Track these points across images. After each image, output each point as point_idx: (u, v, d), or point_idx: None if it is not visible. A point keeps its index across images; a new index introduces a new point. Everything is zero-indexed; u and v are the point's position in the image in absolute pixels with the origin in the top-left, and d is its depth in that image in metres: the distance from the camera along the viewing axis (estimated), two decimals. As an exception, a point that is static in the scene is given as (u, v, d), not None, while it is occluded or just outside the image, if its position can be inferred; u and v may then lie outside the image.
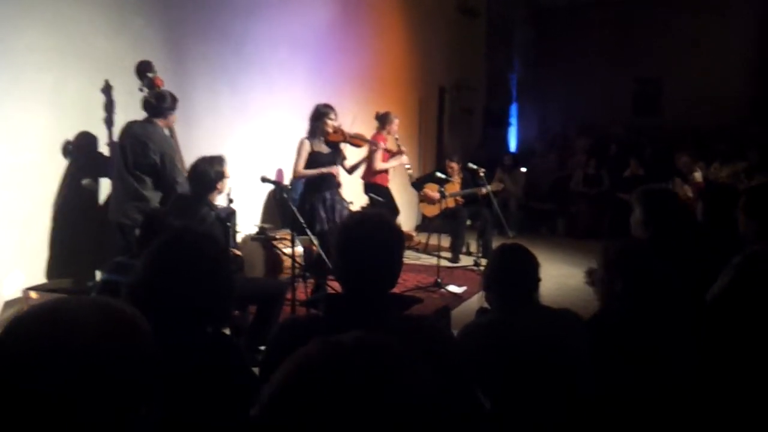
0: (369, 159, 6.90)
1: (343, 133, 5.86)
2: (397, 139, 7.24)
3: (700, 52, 12.50)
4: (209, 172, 4.31)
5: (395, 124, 7.22)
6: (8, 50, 4.41)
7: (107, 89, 5.07)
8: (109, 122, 5.08)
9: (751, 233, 2.97)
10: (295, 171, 5.76)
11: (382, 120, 7.20)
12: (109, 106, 5.08)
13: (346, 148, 6.05)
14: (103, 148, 5.11)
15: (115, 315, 1.01)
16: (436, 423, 0.80)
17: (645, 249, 2.60)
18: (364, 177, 7.26)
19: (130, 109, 4.96)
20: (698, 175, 7.14)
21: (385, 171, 7.20)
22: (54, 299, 1.05)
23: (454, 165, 8.15)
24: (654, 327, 2.39)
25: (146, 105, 4.81)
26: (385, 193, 7.28)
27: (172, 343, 1.77)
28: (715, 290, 2.93)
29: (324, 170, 5.74)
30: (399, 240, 1.96)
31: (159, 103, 4.80)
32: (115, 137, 4.95)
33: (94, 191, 5.10)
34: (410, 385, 0.78)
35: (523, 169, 10.71)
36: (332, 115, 5.76)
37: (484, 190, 7.56)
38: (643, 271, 2.44)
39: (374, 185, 7.25)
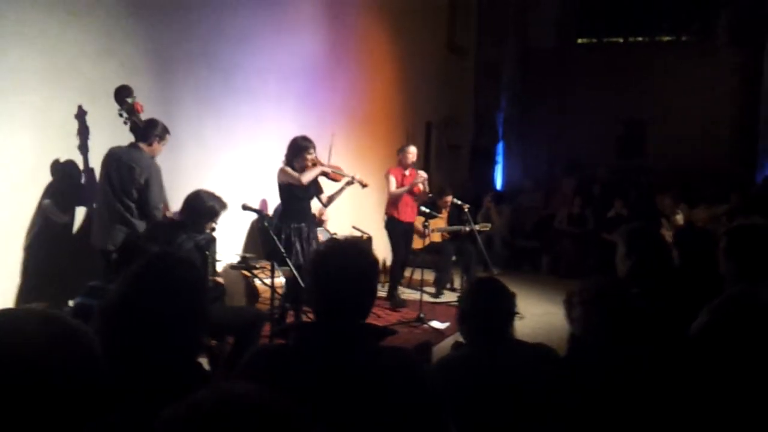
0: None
1: (320, 165, 5.84)
2: (413, 166, 7.44)
3: (685, 95, 12.70)
4: (205, 204, 4.30)
5: (409, 153, 7.37)
6: (-5, 69, 4.40)
7: (93, 113, 5.04)
8: (93, 146, 5.04)
9: (731, 274, 2.97)
10: (299, 180, 5.70)
11: (399, 153, 7.48)
12: (94, 130, 5.05)
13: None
14: (86, 173, 5.07)
15: (58, 326, 0.99)
16: None
17: (618, 286, 2.59)
18: (386, 210, 7.40)
19: (115, 134, 4.93)
20: (679, 218, 7.19)
21: (406, 203, 7.29)
22: (1, 310, 1.03)
23: (448, 199, 8.07)
24: (629, 362, 2.37)
25: (134, 127, 4.78)
26: (400, 227, 7.34)
27: (141, 366, 1.73)
28: (695, 327, 2.92)
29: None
30: (373, 269, 1.94)
31: (148, 129, 4.78)
32: (98, 161, 4.91)
33: (65, 216, 5.02)
34: None
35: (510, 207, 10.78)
36: (311, 150, 5.77)
37: (467, 228, 7.58)
38: (614, 308, 2.44)
39: (389, 218, 7.35)
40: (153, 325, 1.78)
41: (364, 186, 6.25)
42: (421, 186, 7.31)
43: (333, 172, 6.03)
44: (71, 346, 0.98)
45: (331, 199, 6.19)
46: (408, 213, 7.35)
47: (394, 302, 7.24)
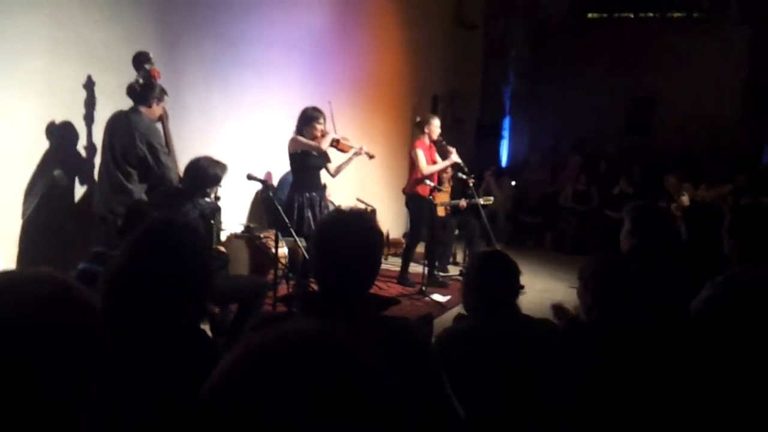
0: (411, 167, 6.79)
1: (328, 136, 5.85)
2: (442, 140, 6.98)
3: (693, 73, 12.59)
4: (208, 172, 4.29)
5: (434, 125, 6.92)
6: (2, 37, 4.38)
7: (99, 81, 5.03)
8: (98, 113, 5.04)
9: (735, 253, 2.97)
10: (318, 148, 5.71)
11: (420, 125, 7.02)
12: (100, 98, 5.04)
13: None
14: (89, 138, 5.07)
15: (55, 285, 1.00)
16: (395, 423, 0.77)
17: (620, 263, 2.60)
18: (407, 188, 7.02)
19: (120, 100, 4.91)
20: (685, 199, 7.15)
21: (430, 178, 6.80)
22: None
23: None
24: (627, 339, 2.39)
25: (131, 91, 4.75)
26: (426, 206, 6.90)
27: (145, 332, 1.75)
28: (696, 305, 2.93)
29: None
30: (377, 240, 1.94)
31: (145, 91, 4.75)
32: (103, 127, 4.90)
33: (68, 182, 5.04)
34: (364, 379, 0.76)
35: (513, 183, 10.73)
36: (321, 120, 5.78)
37: (463, 203, 7.50)
38: (616, 285, 2.45)
39: (415, 196, 6.92)
40: (155, 291, 1.80)
41: (371, 157, 6.22)
42: (458, 160, 6.95)
43: (341, 142, 6.03)
44: (65, 304, 0.98)
45: (339, 169, 6.17)
46: (426, 189, 6.92)
47: (405, 283, 7.02)
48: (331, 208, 5.92)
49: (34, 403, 0.91)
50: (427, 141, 6.92)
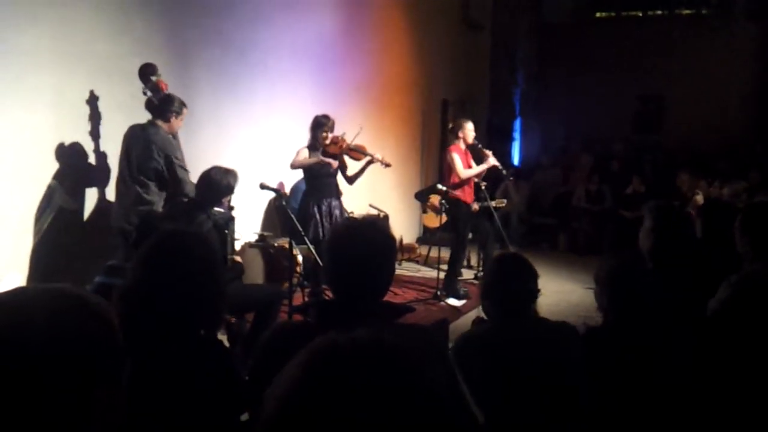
0: (448, 172, 6.63)
1: (341, 144, 5.85)
2: (477, 143, 6.81)
3: (702, 70, 12.53)
4: (221, 182, 4.30)
5: (467, 129, 6.71)
6: (10, 50, 4.43)
7: (108, 93, 5.07)
8: (108, 126, 5.07)
9: (747, 251, 2.95)
10: (314, 165, 5.76)
11: (454, 130, 6.82)
12: (109, 110, 5.07)
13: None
14: (99, 152, 5.10)
15: (68, 298, 1.02)
16: (447, 423, 0.79)
17: (636, 264, 2.59)
18: (449, 194, 6.76)
19: (129, 113, 4.95)
20: (699, 198, 7.10)
21: (470, 184, 6.73)
22: (16, 288, 1.06)
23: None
24: (644, 340, 2.38)
25: (149, 105, 4.78)
26: (465, 211, 6.78)
27: (162, 345, 1.76)
28: (713, 305, 2.91)
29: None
30: (390, 247, 1.94)
31: (163, 105, 4.77)
32: (115, 140, 4.93)
33: (80, 196, 5.07)
34: (423, 386, 0.78)
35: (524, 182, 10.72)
36: (327, 127, 5.79)
37: (476, 206, 7.44)
38: (631, 286, 2.44)
39: (457, 202, 6.71)
40: (167, 303, 1.80)
41: (386, 166, 6.11)
42: (496, 163, 6.77)
43: (354, 150, 5.97)
44: (82, 318, 1.00)
45: (355, 177, 6.15)
46: (470, 194, 6.88)
47: (456, 295, 6.73)
48: (344, 213, 5.92)
49: (50, 415, 0.93)
50: (462, 145, 6.73)
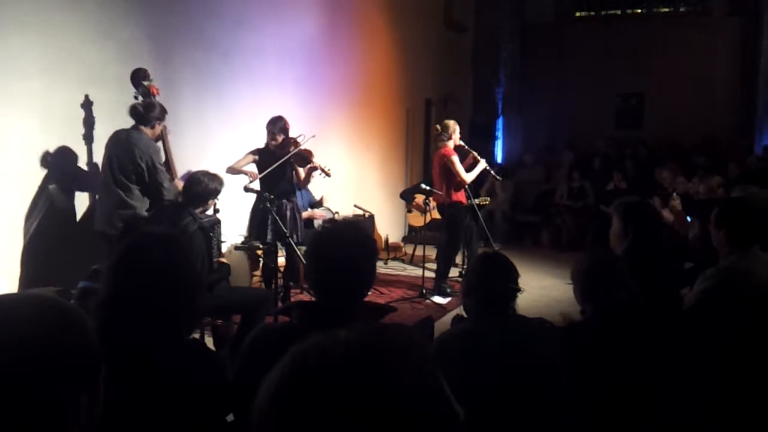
0: (444, 175, 6.58)
1: (287, 148, 5.71)
2: (464, 146, 6.79)
3: (683, 67, 12.65)
4: (208, 186, 4.34)
5: (456, 131, 6.73)
6: (-4, 57, 4.44)
7: (94, 98, 5.08)
8: (95, 131, 5.09)
9: (722, 245, 3.02)
10: (243, 173, 5.76)
11: (446, 131, 6.73)
12: (96, 116, 5.09)
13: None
14: (87, 157, 5.12)
15: (45, 305, 1.04)
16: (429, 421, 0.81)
17: (607, 260, 2.65)
18: (448, 196, 6.74)
19: (116, 118, 4.97)
20: (677, 204, 7.11)
21: (463, 187, 6.73)
22: None
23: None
24: (621, 335, 2.44)
25: (133, 112, 4.80)
26: (462, 212, 6.81)
27: (144, 349, 1.78)
28: (689, 299, 2.98)
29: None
30: (371, 249, 1.99)
31: (147, 112, 4.80)
32: (100, 146, 4.95)
33: (68, 201, 5.08)
34: (406, 385, 0.80)
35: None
36: (269, 127, 5.74)
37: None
38: (603, 282, 2.50)
39: (455, 204, 6.73)
40: (140, 309, 1.81)
41: (327, 176, 5.91)
42: (487, 166, 6.81)
43: (295, 154, 5.73)
44: (62, 328, 1.03)
45: (301, 182, 6.00)
46: (464, 194, 6.85)
47: (443, 293, 6.80)
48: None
49: (29, 422, 0.96)
50: (451, 146, 6.73)
